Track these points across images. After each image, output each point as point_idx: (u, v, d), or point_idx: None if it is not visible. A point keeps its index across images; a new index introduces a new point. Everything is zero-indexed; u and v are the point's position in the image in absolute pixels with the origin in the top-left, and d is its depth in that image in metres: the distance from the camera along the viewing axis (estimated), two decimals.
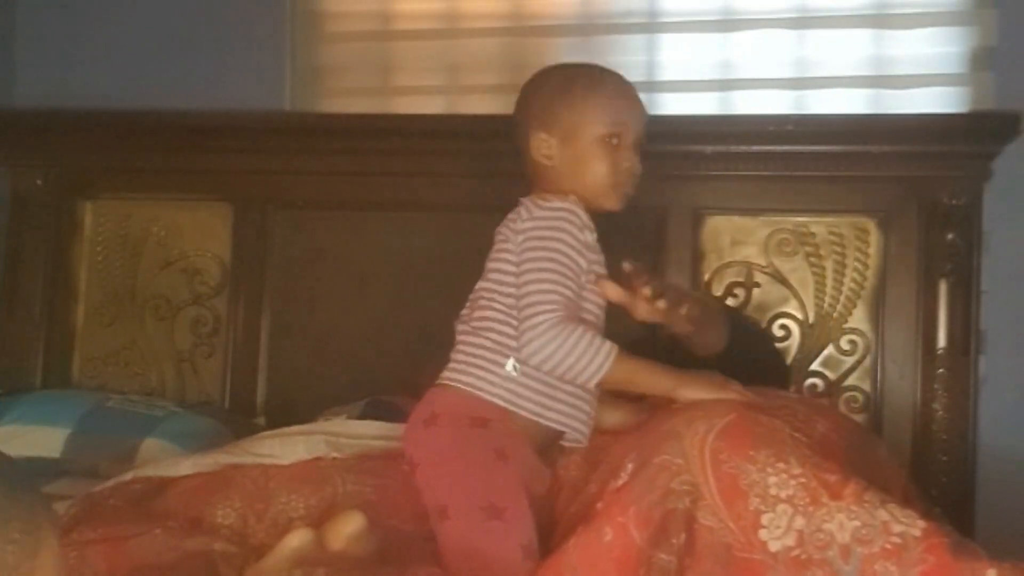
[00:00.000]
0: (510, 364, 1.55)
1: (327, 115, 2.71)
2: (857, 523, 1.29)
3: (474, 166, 2.47)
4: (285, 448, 1.85)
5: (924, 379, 2.28)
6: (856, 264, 2.35)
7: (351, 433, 1.91)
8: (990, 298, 2.33)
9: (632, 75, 2.56)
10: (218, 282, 2.63)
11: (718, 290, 2.40)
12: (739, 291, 2.39)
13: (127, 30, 2.77)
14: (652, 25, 2.59)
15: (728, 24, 2.54)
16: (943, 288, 2.28)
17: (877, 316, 2.33)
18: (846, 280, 2.35)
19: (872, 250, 2.35)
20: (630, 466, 1.47)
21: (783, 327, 2.37)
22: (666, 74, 2.58)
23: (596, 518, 1.43)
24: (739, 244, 2.41)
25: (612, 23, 2.61)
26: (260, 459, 1.83)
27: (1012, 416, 2.33)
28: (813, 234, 2.38)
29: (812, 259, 2.37)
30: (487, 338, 1.58)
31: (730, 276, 2.40)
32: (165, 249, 2.66)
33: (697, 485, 1.39)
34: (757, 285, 2.39)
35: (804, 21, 2.51)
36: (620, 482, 1.46)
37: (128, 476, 1.95)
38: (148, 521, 1.65)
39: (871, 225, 2.35)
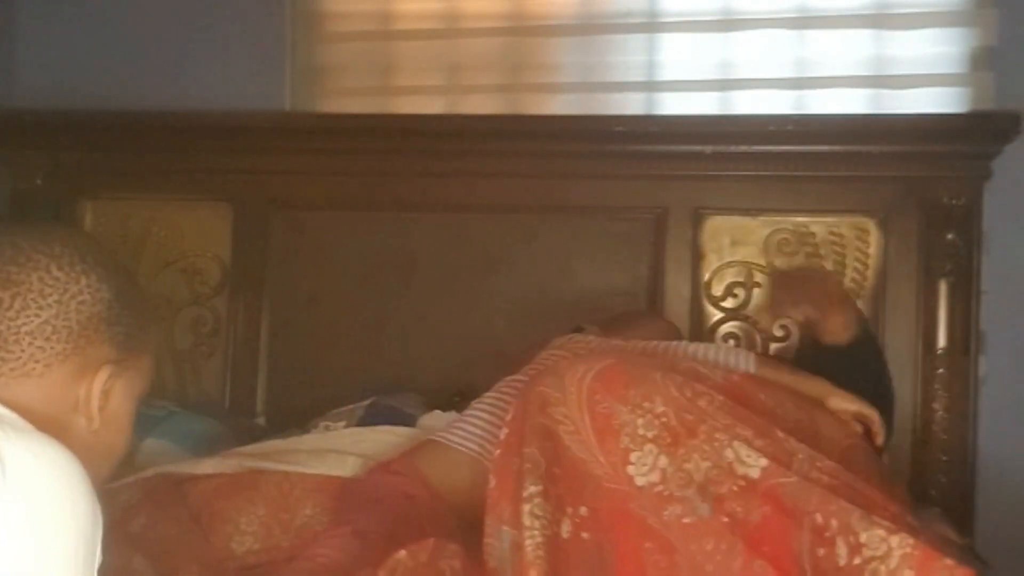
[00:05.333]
0: None
1: (327, 115, 2.70)
2: (708, 464, 1.40)
3: (474, 166, 2.48)
4: (311, 460, 1.89)
5: (924, 379, 2.28)
6: (856, 264, 2.35)
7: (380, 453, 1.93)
8: (990, 298, 2.33)
9: (632, 75, 2.61)
10: (218, 282, 2.62)
11: (718, 290, 2.40)
12: (739, 291, 2.39)
13: (127, 30, 2.76)
14: (652, 25, 2.58)
15: (728, 24, 2.54)
16: (943, 288, 2.28)
17: (877, 316, 2.32)
18: (846, 280, 2.34)
19: (872, 250, 2.35)
20: (514, 403, 1.57)
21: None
22: (666, 74, 2.57)
23: None
24: (739, 244, 2.41)
25: (612, 23, 2.60)
26: (285, 467, 1.86)
27: (1012, 416, 2.33)
28: (813, 234, 2.38)
29: (812, 259, 2.37)
30: None
31: (730, 276, 2.40)
32: (165, 249, 2.65)
33: (573, 419, 1.48)
34: (757, 285, 2.39)
35: (804, 21, 2.51)
36: (508, 416, 1.56)
37: (149, 473, 1.96)
38: None
39: (871, 225, 2.35)
